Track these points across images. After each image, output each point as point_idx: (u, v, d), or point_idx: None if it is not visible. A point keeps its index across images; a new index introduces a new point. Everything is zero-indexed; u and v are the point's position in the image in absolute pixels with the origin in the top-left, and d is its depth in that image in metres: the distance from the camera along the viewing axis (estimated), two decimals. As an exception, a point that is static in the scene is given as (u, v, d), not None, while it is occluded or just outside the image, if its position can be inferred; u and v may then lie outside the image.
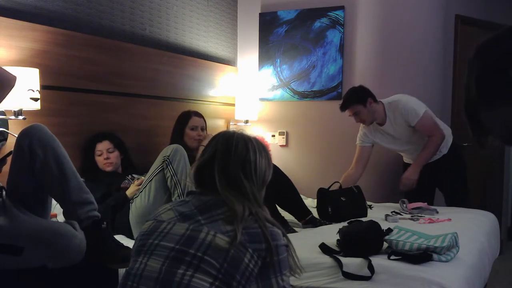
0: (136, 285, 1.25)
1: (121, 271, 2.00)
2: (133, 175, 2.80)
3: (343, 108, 3.28)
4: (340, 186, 3.21)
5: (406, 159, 3.56)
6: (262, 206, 1.38)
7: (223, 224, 1.27)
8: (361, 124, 3.43)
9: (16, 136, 2.36)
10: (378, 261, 1.86)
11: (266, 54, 4.18)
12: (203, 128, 3.14)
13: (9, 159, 1.84)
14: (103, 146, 2.78)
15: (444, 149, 3.33)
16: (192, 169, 1.45)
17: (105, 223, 1.82)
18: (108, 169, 2.78)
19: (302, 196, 3.09)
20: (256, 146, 1.42)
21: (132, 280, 1.27)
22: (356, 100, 3.24)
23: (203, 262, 1.22)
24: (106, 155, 2.77)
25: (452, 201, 3.31)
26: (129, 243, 1.91)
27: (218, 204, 1.33)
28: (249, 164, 1.39)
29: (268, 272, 1.27)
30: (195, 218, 1.30)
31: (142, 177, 2.61)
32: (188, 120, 3.09)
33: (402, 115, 3.25)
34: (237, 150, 1.39)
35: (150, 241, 1.30)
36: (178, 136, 3.07)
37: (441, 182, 3.43)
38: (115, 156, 2.82)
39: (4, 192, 1.73)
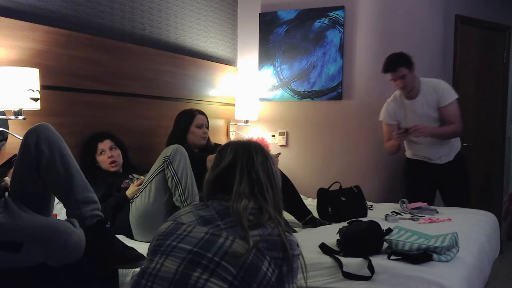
0: (150, 284, 1.25)
1: (121, 270, 2.00)
2: (134, 175, 2.80)
3: (391, 68, 3.13)
4: (340, 186, 3.20)
5: (415, 152, 3.40)
6: (282, 213, 1.40)
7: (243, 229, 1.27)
8: (388, 100, 3.36)
9: (16, 136, 2.37)
10: (378, 261, 1.86)
11: (266, 54, 4.18)
12: (207, 126, 3.18)
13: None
14: (105, 145, 2.78)
15: (452, 154, 3.30)
16: (209, 176, 1.44)
17: (108, 223, 1.82)
18: (114, 169, 2.77)
19: (302, 196, 3.09)
20: (269, 154, 1.44)
21: (146, 279, 1.27)
22: (405, 63, 3.15)
23: (220, 267, 1.21)
24: (109, 154, 2.76)
25: (452, 205, 3.29)
26: (129, 243, 1.91)
27: None
28: (272, 171, 1.41)
29: (283, 281, 1.27)
30: (215, 223, 1.30)
31: (142, 177, 2.61)
32: (193, 118, 3.11)
33: (437, 92, 3.18)
34: (258, 157, 1.41)
35: (168, 242, 1.30)
36: (181, 134, 3.07)
37: (443, 187, 3.42)
38: (118, 154, 2.82)
39: (7, 192, 1.73)
